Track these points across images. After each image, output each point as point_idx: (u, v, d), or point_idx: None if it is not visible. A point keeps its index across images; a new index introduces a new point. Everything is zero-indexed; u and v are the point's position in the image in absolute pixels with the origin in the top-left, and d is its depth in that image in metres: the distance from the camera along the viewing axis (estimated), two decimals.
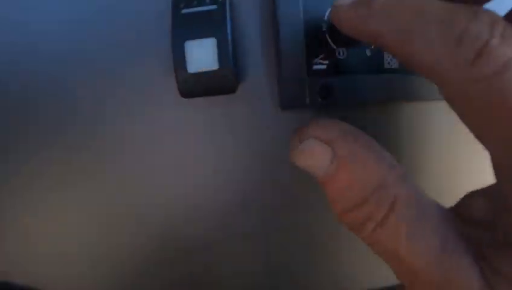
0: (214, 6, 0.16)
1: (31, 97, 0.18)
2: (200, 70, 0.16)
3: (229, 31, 0.16)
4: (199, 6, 0.16)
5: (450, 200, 0.14)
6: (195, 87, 0.16)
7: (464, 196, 0.13)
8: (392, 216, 0.11)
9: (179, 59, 0.16)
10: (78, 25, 0.18)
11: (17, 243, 0.23)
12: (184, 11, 0.16)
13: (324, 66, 0.17)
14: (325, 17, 0.17)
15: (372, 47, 0.18)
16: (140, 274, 0.21)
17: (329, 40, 0.17)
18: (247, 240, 0.19)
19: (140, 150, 0.18)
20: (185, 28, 0.16)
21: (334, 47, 0.17)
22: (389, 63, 0.18)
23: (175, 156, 0.18)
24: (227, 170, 0.18)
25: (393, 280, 0.21)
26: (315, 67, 0.17)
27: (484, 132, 0.10)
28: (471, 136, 0.12)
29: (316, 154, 0.12)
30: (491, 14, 0.10)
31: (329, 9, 0.17)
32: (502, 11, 0.13)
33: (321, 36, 0.17)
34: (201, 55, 0.16)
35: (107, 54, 0.18)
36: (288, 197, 0.19)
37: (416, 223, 0.11)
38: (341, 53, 0.18)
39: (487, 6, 0.14)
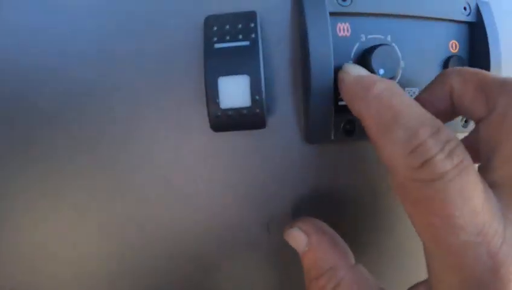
0: (246, 43, 0.17)
1: (62, 117, 0.18)
2: (232, 106, 0.16)
3: (261, 68, 0.16)
4: (232, 41, 0.17)
5: None
6: (226, 122, 0.17)
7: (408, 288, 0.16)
8: None
9: (212, 94, 0.16)
10: (110, 54, 0.18)
11: (24, 258, 0.23)
12: (217, 45, 0.17)
13: None
14: (351, 56, 0.18)
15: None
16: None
17: None
18: (269, 269, 0.19)
19: (168, 176, 0.18)
20: (218, 63, 0.16)
21: None
22: None
23: (203, 184, 0.18)
24: (255, 199, 0.19)
25: None
26: (341, 103, 0.18)
27: (415, 221, 0.13)
28: None
29: (297, 238, 0.17)
30: (449, 133, 0.13)
31: (355, 46, 0.18)
32: None
33: None
34: (234, 92, 0.16)
35: (137, 83, 0.18)
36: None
37: None
38: None
39: None
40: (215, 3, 0.18)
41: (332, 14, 0.17)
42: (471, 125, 0.20)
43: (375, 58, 0.17)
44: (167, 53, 0.18)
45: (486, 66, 0.20)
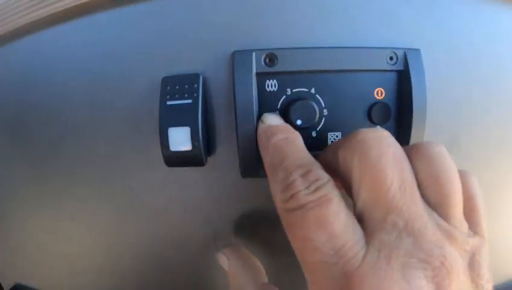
0: (189, 101, 0.21)
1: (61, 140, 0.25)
2: (178, 149, 0.21)
3: (199, 120, 0.21)
4: (179, 99, 0.22)
5: None
6: (175, 160, 0.22)
7: None
8: None
9: (164, 140, 0.21)
10: (95, 102, 0.24)
11: (32, 249, 0.30)
12: (168, 102, 0.22)
13: None
14: (278, 107, 0.22)
15: (318, 129, 0.22)
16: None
17: None
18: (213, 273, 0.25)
19: (139, 198, 0.25)
20: (169, 116, 0.21)
21: None
22: (332, 141, 0.22)
23: (164, 204, 0.24)
24: (201, 217, 0.24)
25: None
26: None
27: (291, 244, 0.16)
28: None
29: (222, 260, 0.23)
30: (320, 174, 0.16)
31: (281, 99, 0.22)
32: None
33: None
34: (179, 138, 0.21)
35: (115, 126, 0.24)
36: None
37: None
38: None
39: None
40: (172, 66, 0.22)
41: (260, 73, 0.21)
42: None
43: (294, 111, 0.21)
44: (139, 106, 0.23)
45: (410, 111, 0.22)
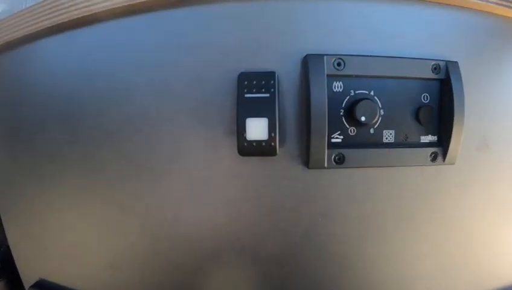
0: (267, 95, 0.24)
1: (119, 138, 0.26)
2: (255, 138, 0.23)
3: (276, 113, 0.23)
4: (257, 93, 0.24)
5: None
6: (250, 149, 0.24)
7: None
8: None
9: (241, 129, 0.23)
10: (166, 94, 0.25)
11: (62, 244, 0.29)
12: (246, 95, 0.24)
13: (339, 140, 0.25)
14: (343, 105, 0.25)
15: (375, 127, 0.25)
16: None
17: (344, 121, 0.25)
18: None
19: (202, 188, 0.26)
20: (246, 108, 0.24)
21: (348, 126, 0.25)
22: (386, 138, 0.26)
23: (223, 196, 0.26)
24: (264, 205, 0.26)
25: None
26: (333, 140, 0.25)
27: None
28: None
29: None
30: None
31: (346, 99, 0.25)
32: None
33: (339, 118, 0.24)
34: (257, 129, 0.23)
35: (183, 117, 0.25)
36: (307, 232, 0.26)
37: None
38: (352, 131, 0.25)
39: None
40: (248, 63, 0.25)
41: (329, 75, 0.24)
42: (439, 159, 0.26)
43: (358, 109, 0.24)
44: (209, 98, 0.25)
45: (451, 114, 0.25)
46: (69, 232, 0.29)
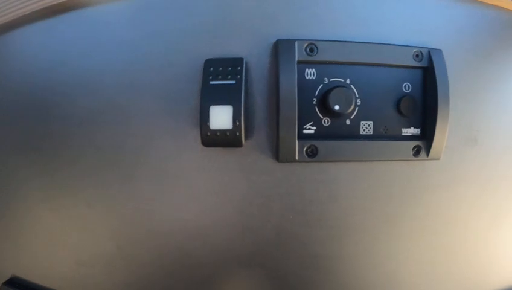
0: (233, 82, 0.22)
1: (90, 128, 0.25)
2: (218, 128, 0.22)
3: (242, 101, 0.22)
4: (223, 80, 0.22)
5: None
6: (214, 140, 0.22)
7: None
8: None
9: (204, 118, 0.22)
10: (132, 83, 0.24)
11: (33, 241, 0.28)
12: (211, 82, 0.22)
13: (312, 131, 0.23)
14: (316, 94, 0.23)
15: (351, 117, 0.23)
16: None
17: (317, 111, 0.23)
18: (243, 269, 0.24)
19: (166, 178, 0.24)
20: (211, 95, 0.22)
21: (321, 117, 0.23)
22: (364, 130, 0.24)
23: (194, 187, 0.24)
24: (231, 203, 0.24)
25: None
26: (305, 131, 0.23)
27: None
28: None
29: None
30: None
31: (319, 87, 0.23)
32: None
33: (311, 108, 0.23)
34: (221, 117, 0.22)
35: (149, 105, 0.24)
36: (278, 232, 0.24)
37: None
38: (326, 121, 0.23)
39: None
40: (215, 49, 0.23)
41: (301, 62, 0.22)
42: (423, 154, 0.24)
43: (332, 98, 0.22)
44: (174, 84, 0.24)
45: (435, 105, 0.23)
46: (40, 229, 0.28)
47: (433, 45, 0.25)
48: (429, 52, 0.24)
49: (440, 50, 0.25)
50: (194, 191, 0.24)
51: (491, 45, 0.26)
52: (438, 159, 0.25)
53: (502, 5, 0.27)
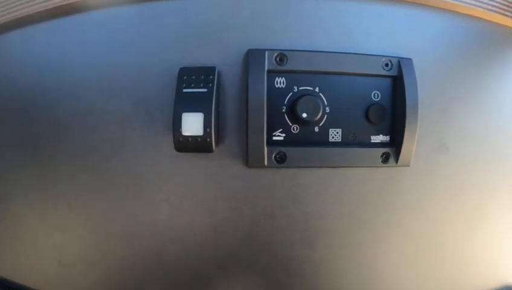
0: (204, 90, 0.23)
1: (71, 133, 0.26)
2: (190, 134, 0.23)
3: (213, 108, 0.23)
4: (195, 88, 0.23)
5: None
6: (186, 145, 0.23)
7: None
8: None
9: (177, 124, 0.23)
10: (110, 89, 0.25)
11: (16, 242, 0.29)
12: (185, 90, 0.23)
13: (281, 138, 0.24)
14: (285, 102, 0.24)
15: (320, 125, 0.24)
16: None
17: (286, 118, 0.24)
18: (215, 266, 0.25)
19: (142, 181, 0.25)
20: (184, 102, 0.23)
21: (290, 124, 0.24)
22: (333, 137, 0.24)
23: (164, 192, 0.25)
24: (203, 205, 0.25)
25: None
26: (274, 138, 0.24)
27: None
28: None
29: None
30: None
31: (289, 95, 0.24)
32: None
33: (281, 116, 0.23)
34: (192, 123, 0.23)
35: (126, 109, 0.25)
36: (250, 234, 0.25)
37: None
38: (295, 128, 0.24)
39: None
40: (189, 58, 0.24)
41: (270, 71, 0.23)
42: (392, 160, 0.25)
43: (300, 105, 0.23)
44: (149, 92, 0.25)
45: (403, 113, 0.24)
46: (22, 230, 0.29)
47: (404, 54, 0.25)
48: (399, 61, 0.25)
49: (410, 59, 0.25)
50: (168, 194, 0.25)
51: (463, 54, 0.27)
52: (408, 166, 0.25)
53: (472, 14, 0.27)
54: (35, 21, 0.26)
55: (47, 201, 0.27)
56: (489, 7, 0.28)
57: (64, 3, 0.25)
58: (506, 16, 0.28)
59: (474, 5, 0.27)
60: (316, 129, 0.24)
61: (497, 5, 0.28)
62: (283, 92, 0.24)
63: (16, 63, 0.27)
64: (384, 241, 0.27)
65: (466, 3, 0.27)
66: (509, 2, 0.28)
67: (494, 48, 0.28)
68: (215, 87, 0.23)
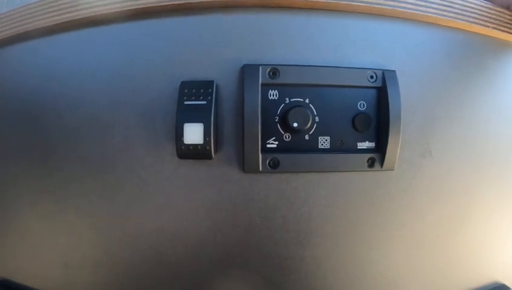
0: (204, 102, 0.25)
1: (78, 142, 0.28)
2: (191, 142, 0.25)
3: (212, 119, 0.25)
4: (196, 100, 0.25)
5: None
6: (187, 152, 0.25)
7: None
8: None
9: (179, 133, 0.25)
10: (117, 102, 0.27)
11: (22, 244, 0.30)
12: (186, 102, 0.26)
13: (275, 145, 0.26)
14: (278, 112, 0.26)
15: (310, 133, 0.26)
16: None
17: (279, 128, 0.26)
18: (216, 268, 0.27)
19: (148, 186, 0.27)
20: (185, 113, 0.25)
21: (282, 132, 0.26)
22: (322, 144, 0.26)
23: (166, 196, 0.27)
24: (203, 207, 0.27)
25: None
26: (268, 145, 0.26)
27: None
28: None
29: None
30: None
31: (281, 106, 0.26)
32: None
33: (274, 125, 0.26)
34: (193, 133, 0.25)
35: (131, 121, 0.27)
36: (246, 234, 0.27)
37: None
38: (287, 137, 0.26)
39: None
40: (190, 72, 0.27)
41: (264, 84, 0.25)
42: (377, 165, 0.27)
43: (291, 116, 0.25)
44: (153, 103, 0.27)
45: (387, 121, 0.26)
46: (28, 232, 0.31)
47: (388, 66, 0.27)
48: (383, 73, 0.27)
49: (394, 71, 0.27)
50: (170, 198, 0.27)
51: (446, 64, 0.29)
52: (392, 170, 0.27)
53: (454, 26, 0.29)
54: (42, 35, 0.28)
55: (54, 205, 0.29)
56: (471, 19, 0.30)
57: (71, 18, 0.27)
58: (488, 26, 0.30)
59: (455, 18, 0.29)
60: (307, 137, 0.26)
61: (479, 17, 0.30)
62: (276, 103, 0.26)
63: (25, 74, 0.29)
64: (372, 241, 0.29)
65: (447, 16, 0.29)
66: (489, 14, 0.30)
67: (475, 57, 0.30)
68: (213, 99, 0.26)
